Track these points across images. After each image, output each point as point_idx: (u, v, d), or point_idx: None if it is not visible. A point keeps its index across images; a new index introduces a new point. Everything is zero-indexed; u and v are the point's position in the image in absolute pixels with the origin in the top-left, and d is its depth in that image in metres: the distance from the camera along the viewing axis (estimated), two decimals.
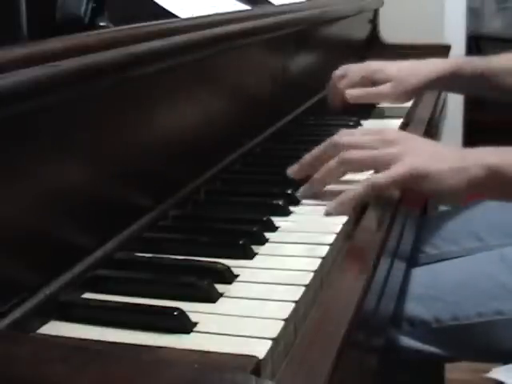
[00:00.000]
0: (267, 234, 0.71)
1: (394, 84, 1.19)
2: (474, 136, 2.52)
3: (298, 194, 0.83)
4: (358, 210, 0.79)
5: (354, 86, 1.22)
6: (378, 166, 0.80)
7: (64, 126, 0.61)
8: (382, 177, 0.78)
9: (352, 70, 1.24)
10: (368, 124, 1.22)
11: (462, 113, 2.48)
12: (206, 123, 0.89)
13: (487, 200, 1.13)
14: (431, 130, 1.31)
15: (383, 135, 0.82)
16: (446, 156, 0.80)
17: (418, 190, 0.81)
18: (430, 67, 1.20)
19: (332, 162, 0.81)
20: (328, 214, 0.76)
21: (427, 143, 0.85)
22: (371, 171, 0.84)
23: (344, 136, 0.84)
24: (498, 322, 0.90)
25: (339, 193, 0.79)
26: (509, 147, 0.80)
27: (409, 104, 1.31)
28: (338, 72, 1.25)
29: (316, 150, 0.84)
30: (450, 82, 1.21)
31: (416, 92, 1.23)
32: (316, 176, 0.82)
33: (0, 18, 0.72)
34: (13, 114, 0.54)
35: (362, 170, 0.84)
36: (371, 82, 1.22)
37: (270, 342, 0.50)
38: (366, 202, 0.81)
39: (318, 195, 0.82)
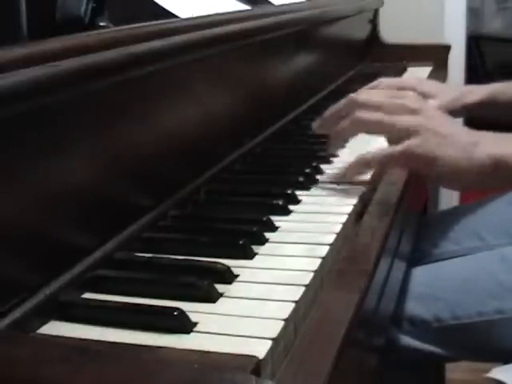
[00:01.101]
0: (267, 234, 0.71)
1: (443, 101, 1.20)
2: None
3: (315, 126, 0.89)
4: (358, 209, 0.79)
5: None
6: (393, 133, 0.79)
7: (64, 126, 0.61)
8: (396, 151, 0.78)
9: (406, 78, 1.32)
10: None
11: None
12: (206, 123, 0.89)
13: (488, 198, 1.14)
14: None
15: (406, 101, 0.81)
16: (460, 140, 0.79)
17: (425, 172, 0.81)
18: (474, 93, 1.22)
19: (344, 122, 0.82)
20: (342, 176, 0.81)
21: (445, 122, 0.83)
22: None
23: (363, 94, 0.84)
24: (498, 322, 0.90)
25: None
26: None
27: None
28: (386, 80, 1.29)
29: (335, 106, 0.86)
30: (486, 108, 1.23)
31: (458, 115, 1.26)
32: (331, 135, 0.86)
33: (0, 17, 0.72)
34: (13, 114, 0.54)
35: (375, 132, 0.83)
36: (419, 92, 1.24)
37: (269, 342, 0.50)
38: (365, 202, 0.81)
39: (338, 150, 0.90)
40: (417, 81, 1.29)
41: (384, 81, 1.28)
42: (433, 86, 1.24)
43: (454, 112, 1.23)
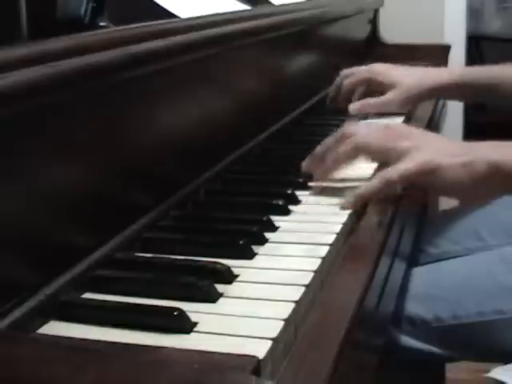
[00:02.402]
0: (267, 234, 0.71)
1: (399, 91, 1.21)
2: (473, 137, 2.52)
3: (314, 180, 0.86)
4: (358, 209, 0.79)
5: (357, 85, 1.26)
6: (390, 157, 0.81)
7: (64, 126, 0.61)
8: (395, 172, 0.79)
9: (358, 71, 1.27)
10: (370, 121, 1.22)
11: (461, 113, 2.48)
12: (206, 123, 0.89)
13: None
14: (431, 129, 1.32)
15: (393, 129, 0.85)
16: (453, 150, 0.81)
17: (423, 186, 0.83)
18: (434, 77, 1.23)
19: (346, 146, 0.83)
20: (344, 207, 0.78)
21: (435, 138, 0.88)
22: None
23: (354, 127, 0.87)
24: (498, 322, 0.90)
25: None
26: (510, 142, 0.82)
27: None
28: (346, 71, 1.28)
29: (327, 141, 0.86)
30: (452, 91, 1.24)
31: (419, 101, 1.27)
32: (329, 159, 0.84)
33: (0, 18, 0.72)
34: (13, 114, 0.54)
35: (372, 158, 0.86)
36: (375, 84, 1.24)
37: (269, 342, 0.50)
38: (365, 202, 0.81)
39: (327, 179, 0.86)
40: (368, 72, 1.26)
41: (345, 72, 1.30)
42: (387, 76, 1.23)
43: (418, 97, 1.23)
